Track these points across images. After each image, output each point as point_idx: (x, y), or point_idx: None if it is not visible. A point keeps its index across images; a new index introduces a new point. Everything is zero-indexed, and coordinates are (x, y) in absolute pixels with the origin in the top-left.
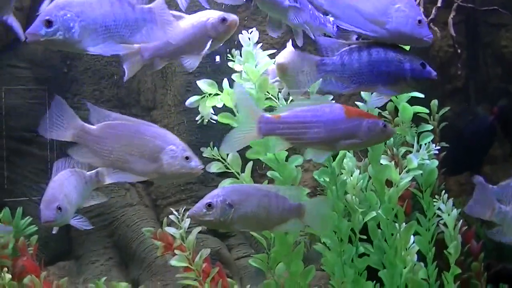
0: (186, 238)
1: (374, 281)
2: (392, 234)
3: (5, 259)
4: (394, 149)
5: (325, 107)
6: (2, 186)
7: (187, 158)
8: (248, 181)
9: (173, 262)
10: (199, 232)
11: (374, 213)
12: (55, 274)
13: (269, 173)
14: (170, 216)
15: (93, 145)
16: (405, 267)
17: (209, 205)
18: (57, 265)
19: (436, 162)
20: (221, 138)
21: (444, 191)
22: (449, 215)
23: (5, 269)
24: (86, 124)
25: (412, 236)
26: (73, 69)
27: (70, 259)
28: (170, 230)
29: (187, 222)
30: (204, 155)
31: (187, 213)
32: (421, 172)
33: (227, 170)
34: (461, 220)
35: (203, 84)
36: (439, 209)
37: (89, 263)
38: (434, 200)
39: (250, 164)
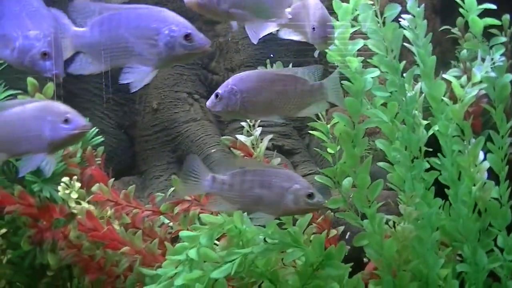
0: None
1: (444, 200)
2: (459, 151)
3: (73, 167)
4: (467, 63)
5: None
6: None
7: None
8: None
9: None
10: None
11: (436, 128)
12: (120, 189)
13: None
14: (242, 123)
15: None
16: (474, 185)
17: (217, 96)
18: (121, 180)
19: (509, 77)
20: (285, 52)
21: None
22: None
23: (75, 177)
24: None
25: (482, 154)
26: None
27: (134, 175)
28: (241, 137)
29: (258, 130)
30: None
31: None
32: (485, 85)
33: None
34: None
35: None
36: None
37: (153, 178)
38: None
39: None
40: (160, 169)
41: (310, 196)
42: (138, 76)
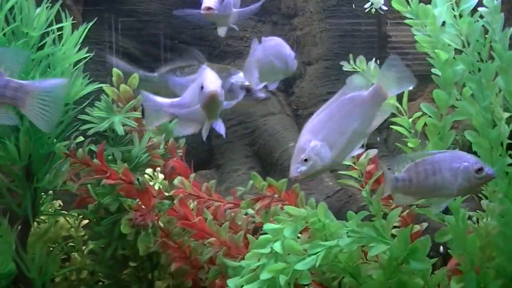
0: None
1: None
2: None
3: (157, 158)
4: None
5: None
6: None
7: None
8: None
9: None
10: None
11: None
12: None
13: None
14: None
15: None
16: None
17: None
18: (199, 173)
19: None
20: (362, 46)
21: None
22: None
23: (158, 168)
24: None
25: None
26: None
27: (211, 168)
28: None
29: None
30: (344, 69)
31: None
32: None
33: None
34: None
35: None
36: None
37: (231, 172)
38: None
39: None
40: (237, 162)
41: (480, 170)
42: None
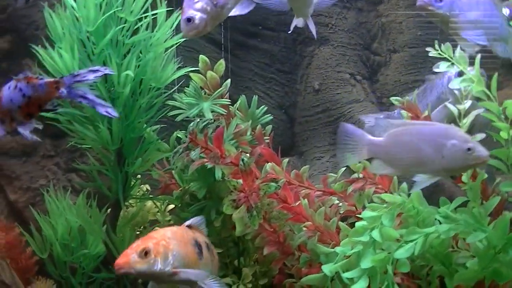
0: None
1: None
2: None
3: (244, 145)
4: None
5: None
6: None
7: (469, 149)
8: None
9: None
10: None
11: None
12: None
13: None
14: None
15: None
16: None
17: None
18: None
19: None
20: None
21: None
22: None
23: (246, 155)
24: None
25: None
26: None
27: (293, 155)
28: (450, 106)
29: (468, 103)
30: (430, 54)
31: None
32: None
33: None
34: None
35: None
36: None
37: (314, 159)
38: None
39: (478, 58)
40: (321, 150)
41: None
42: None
